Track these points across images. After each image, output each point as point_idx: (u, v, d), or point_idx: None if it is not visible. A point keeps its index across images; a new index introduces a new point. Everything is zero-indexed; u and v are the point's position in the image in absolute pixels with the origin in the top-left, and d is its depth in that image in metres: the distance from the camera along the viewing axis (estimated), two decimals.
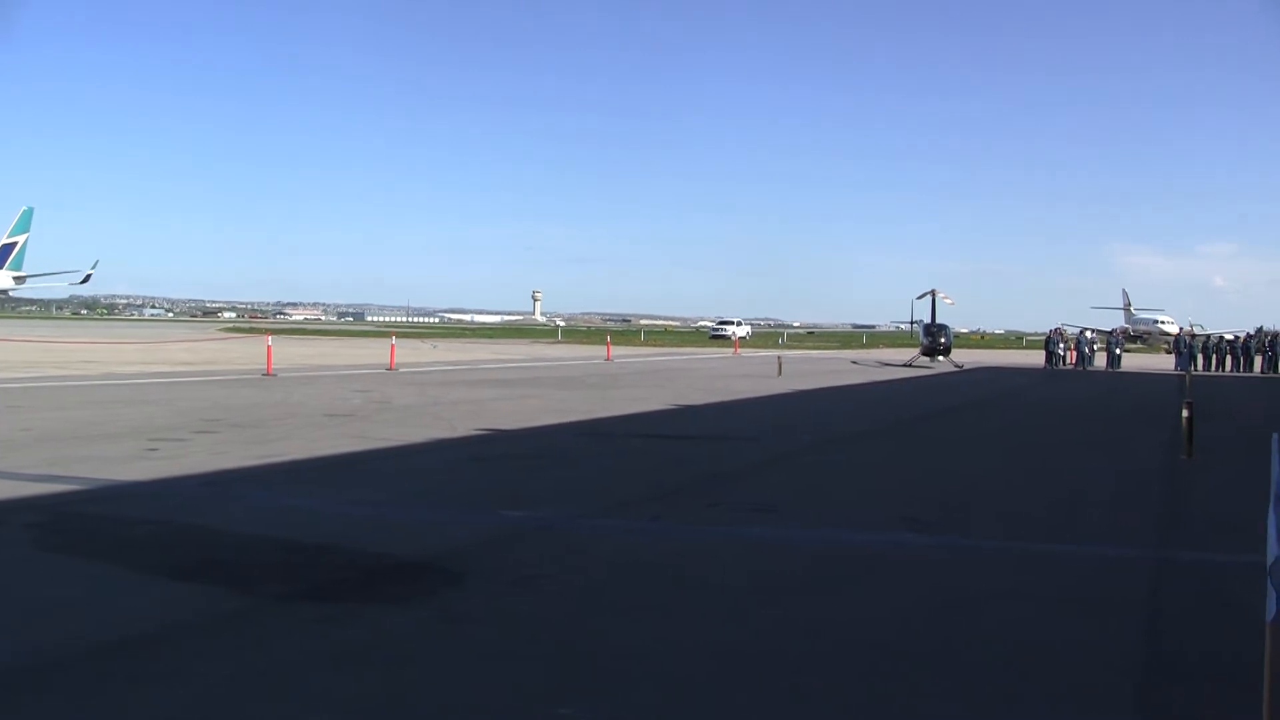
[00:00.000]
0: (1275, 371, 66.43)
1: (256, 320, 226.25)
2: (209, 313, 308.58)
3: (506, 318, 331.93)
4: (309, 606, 8.70)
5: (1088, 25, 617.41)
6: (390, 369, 43.07)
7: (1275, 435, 5.67)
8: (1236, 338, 75.45)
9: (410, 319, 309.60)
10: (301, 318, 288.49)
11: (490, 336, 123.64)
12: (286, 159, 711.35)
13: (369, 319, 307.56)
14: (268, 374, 37.56)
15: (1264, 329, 77.99)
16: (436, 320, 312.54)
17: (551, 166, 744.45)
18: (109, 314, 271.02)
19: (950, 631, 8.55)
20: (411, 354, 59.30)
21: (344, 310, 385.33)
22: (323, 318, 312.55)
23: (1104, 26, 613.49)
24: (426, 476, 15.81)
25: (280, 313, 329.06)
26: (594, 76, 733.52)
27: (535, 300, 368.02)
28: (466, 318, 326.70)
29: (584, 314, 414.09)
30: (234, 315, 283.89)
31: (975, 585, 10.13)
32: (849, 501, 14.66)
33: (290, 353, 56.29)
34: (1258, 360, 69.27)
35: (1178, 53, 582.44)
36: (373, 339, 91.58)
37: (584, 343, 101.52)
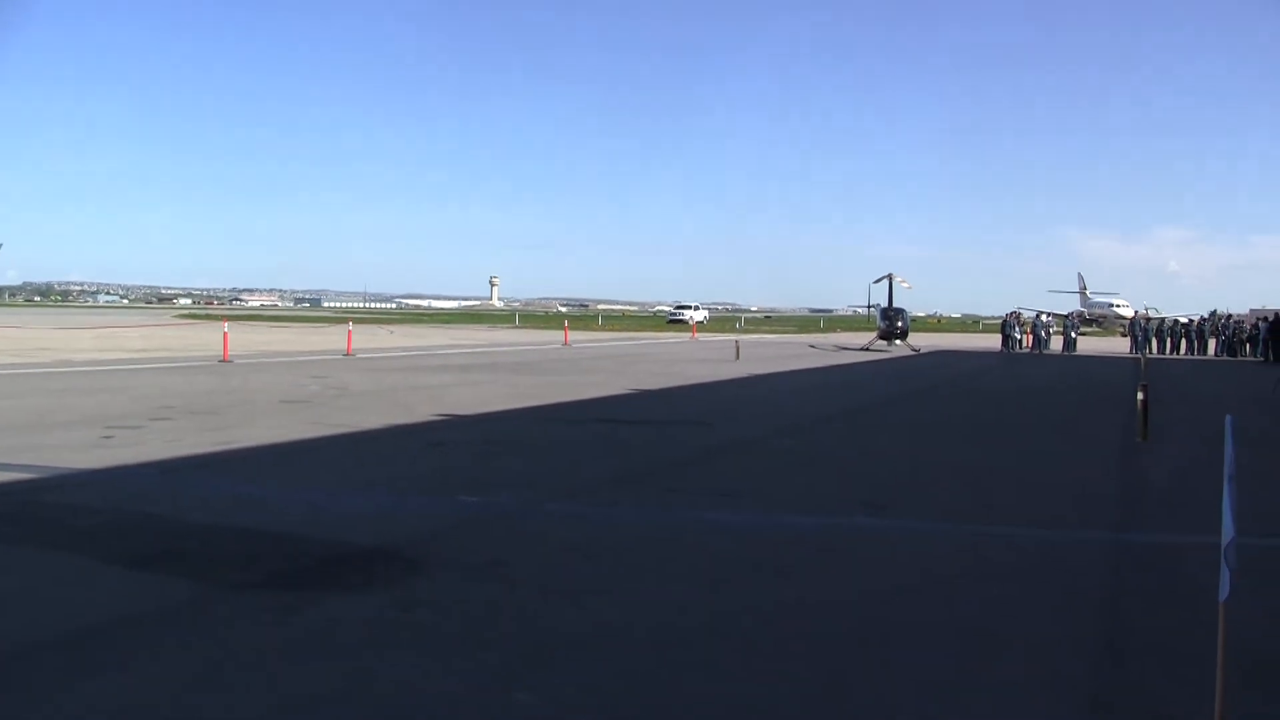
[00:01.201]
0: (1229, 354, 66.95)
1: (212, 307, 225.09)
2: (164, 299, 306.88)
3: (464, 303, 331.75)
4: (266, 595, 8.65)
5: (1042, 13, 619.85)
6: (347, 355, 42.95)
7: (1228, 418, 5.66)
8: (1191, 321, 75.99)
9: (368, 305, 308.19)
10: (258, 304, 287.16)
11: (448, 322, 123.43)
12: (242, 145, 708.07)
13: (326, 305, 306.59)
14: (224, 361, 37.36)
15: (1217, 312, 78.64)
16: (394, 306, 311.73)
17: (507, 152, 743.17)
18: (63, 301, 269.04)
19: (907, 614, 8.58)
20: (369, 340, 59.16)
21: (301, 296, 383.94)
22: (279, 304, 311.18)
23: (1057, 15, 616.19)
24: (384, 463, 15.74)
25: (236, 299, 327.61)
26: (551, 63, 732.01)
27: (493, 286, 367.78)
28: (424, 303, 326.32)
29: (542, 299, 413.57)
30: (190, 302, 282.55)
31: (932, 568, 10.17)
32: (807, 485, 14.68)
33: (247, 339, 55.97)
34: (1211, 343, 69.81)
35: (1131, 41, 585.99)
36: (330, 325, 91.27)
37: (542, 328, 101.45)
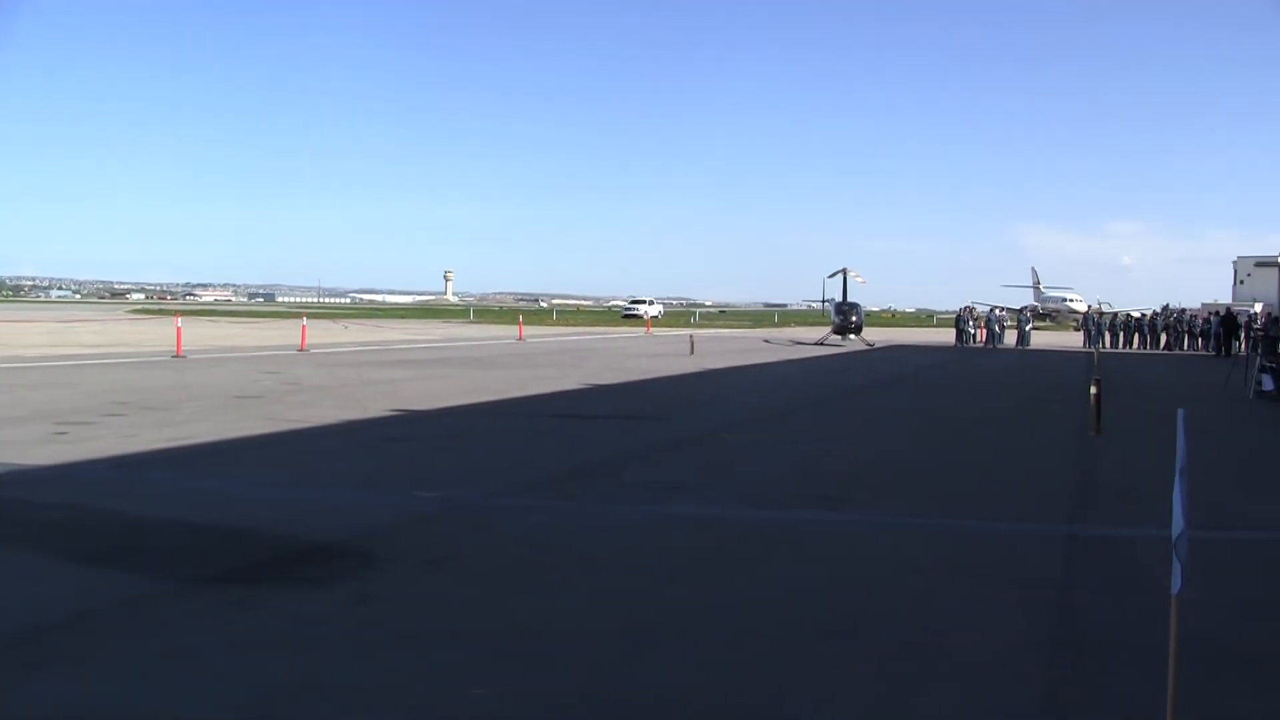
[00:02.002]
0: (1181, 348, 67.44)
1: (165, 301, 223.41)
2: (117, 294, 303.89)
3: (419, 298, 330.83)
4: (221, 590, 8.58)
5: (992, 10, 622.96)
6: (301, 350, 42.65)
7: (1180, 411, 5.69)
8: (1143, 315, 76.53)
9: (321, 300, 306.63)
10: (211, 299, 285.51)
11: (402, 317, 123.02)
12: (194, 138, 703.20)
13: (280, 300, 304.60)
14: (177, 356, 37.08)
15: (1169, 306, 79.15)
16: (348, 301, 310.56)
17: (461, 144, 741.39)
18: (14, 296, 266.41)
19: (862, 606, 8.60)
20: (323, 335, 58.89)
21: (255, 291, 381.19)
22: (233, 299, 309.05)
23: (1007, 11, 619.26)
24: (339, 458, 15.70)
25: (190, 294, 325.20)
26: (499, 53, 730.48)
27: (447, 280, 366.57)
28: (379, 298, 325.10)
29: (496, 294, 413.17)
30: (143, 297, 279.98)
31: (887, 560, 10.19)
32: (762, 479, 14.70)
33: (200, 334, 55.55)
34: (1164, 337, 70.27)
35: (1082, 37, 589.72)
36: (284, 320, 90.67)
37: (496, 323, 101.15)
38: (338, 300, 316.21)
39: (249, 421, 19.24)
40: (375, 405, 22.47)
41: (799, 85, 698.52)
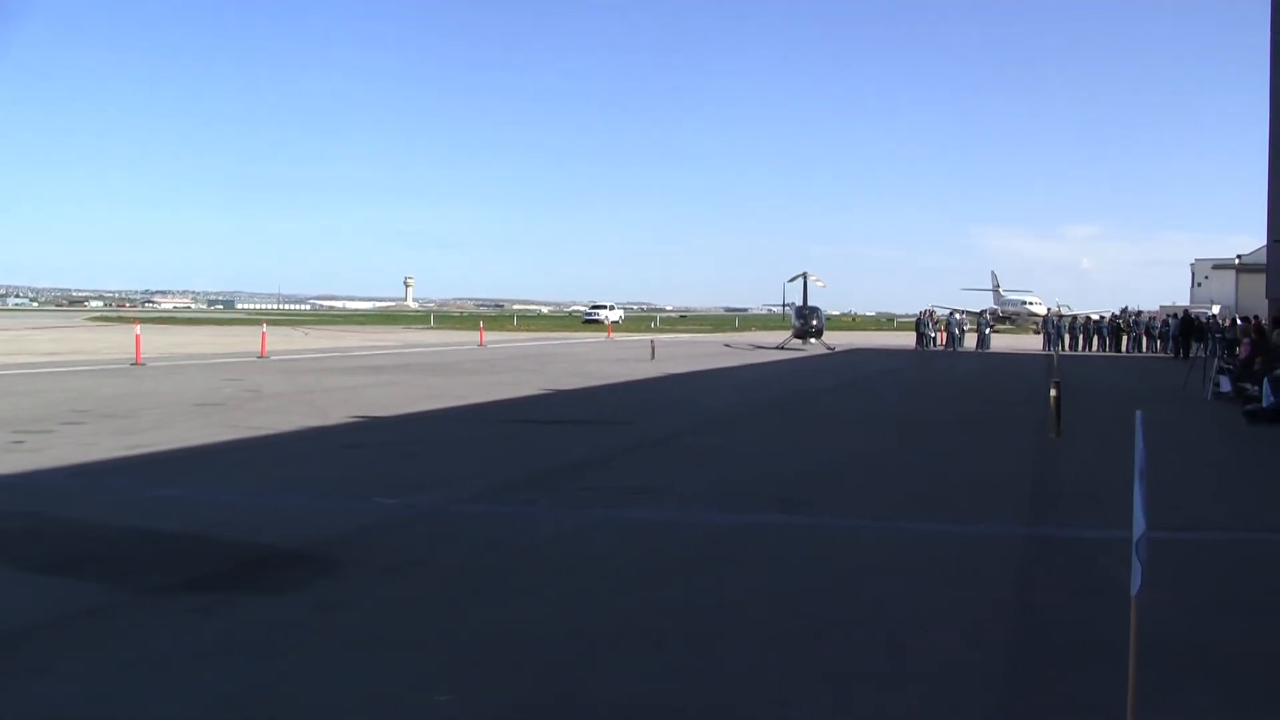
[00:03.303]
0: (1139, 351, 67.86)
1: (124, 309, 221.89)
2: (75, 302, 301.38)
3: (379, 304, 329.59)
4: (181, 598, 8.53)
5: (948, 7, 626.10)
6: (261, 357, 42.48)
7: (1138, 413, 5.72)
8: (1102, 318, 76.94)
9: (281, 306, 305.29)
10: (171, 306, 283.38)
11: (362, 323, 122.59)
12: (151, 143, 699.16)
13: (239, 307, 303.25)
14: (136, 363, 36.80)
15: (1128, 309, 79.69)
16: (308, 307, 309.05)
17: (420, 150, 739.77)
18: None
19: (822, 611, 8.62)
20: (283, 341, 58.59)
21: (214, 298, 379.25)
22: (192, 306, 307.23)
23: (964, 12, 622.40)
24: (299, 465, 15.65)
25: (149, 301, 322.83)
26: (455, 55, 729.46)
27: (407, 286, 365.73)
28: (338, 305, 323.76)
29: (456, 299, 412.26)
30: (101, 304, 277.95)
31: (848, 564, 10.22)
32: (723, 483, 14.70)
33: (159, 341, 55.19)
34: (1123, 339, 70.70)
35: (1037, 38, 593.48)
36: (243, 327, 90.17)
37: (457, 328, 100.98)
38: (297, 307, 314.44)
39: (210, 429, 19.14)
40: (336, 412, 22.39)
41: (762, 90, 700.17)
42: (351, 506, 12.55)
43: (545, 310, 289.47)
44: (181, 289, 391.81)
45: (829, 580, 9.57)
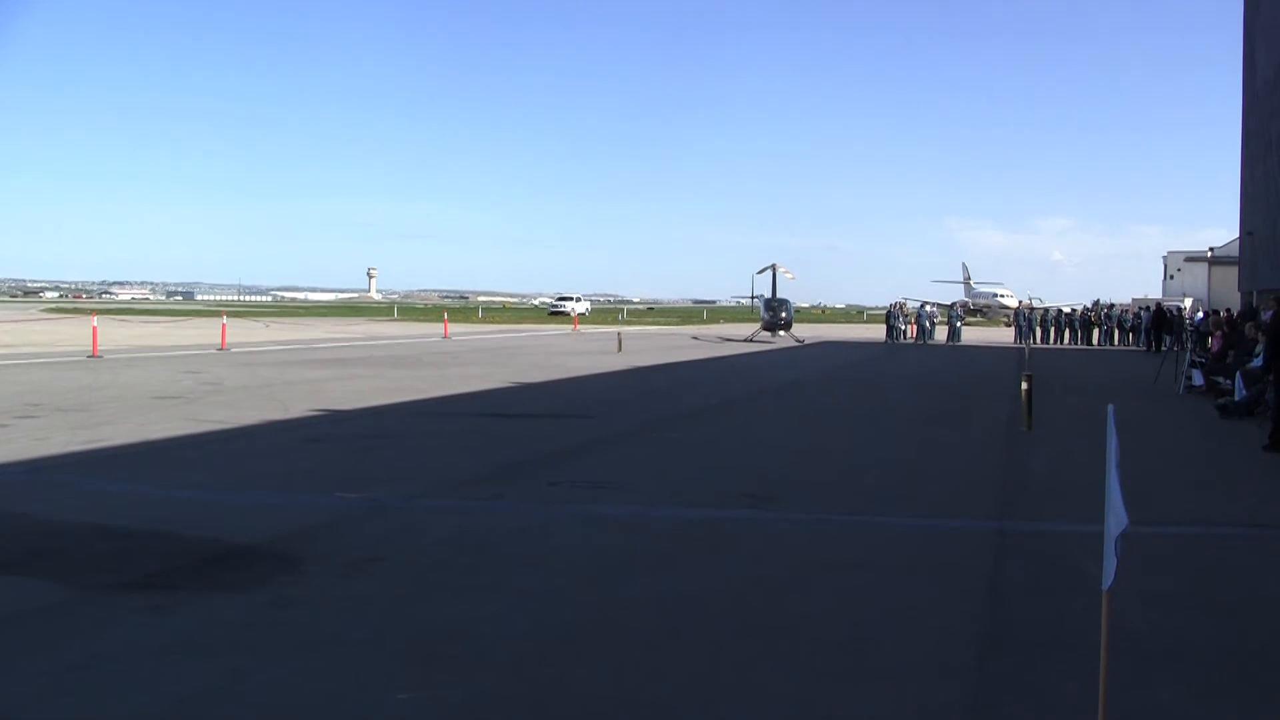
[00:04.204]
0: (1112, 344, 68.14)
1: (81, 300, 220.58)
2: (30, 292, 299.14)
3: (341, 295, 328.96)
4: (137, 596, 8.49)
5: (918, 3, 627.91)
6: (221, 349, 42.30)
7: (1110, 407, 5.72)
8: (1074, 311, 77.20)
9: (242, 298, 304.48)
10: (129, 297, 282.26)
11: (325, 315, 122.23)
12: (110, 133, 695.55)
13: (199, 298, 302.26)
14: (93, 355, 36.63)
15: (1100, 302, 79.93)
16: (269, 299, 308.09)
17: (383, 139, 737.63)
18: None
19: (789, 605, 8.64)
20: (244, 334, 58.36)
21: (173, 289, 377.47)
22: (151, 297, 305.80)
23: (934, 5, 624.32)
24: (260, 459, 15.58)
25: (106, 292, 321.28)
26: (421, 46, 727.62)
27: (370, 278, 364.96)
28: (300, 296, 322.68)
29: (420, 291, 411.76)
30: (57, 295, 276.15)
31: (815, 559, 10.25)
32: (689, 477, 14.72)
33: (117, 333, 54.93)
34: (1095, 333, 70.97)
35: (1007, 32, 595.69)
36: (203, 318, 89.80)
37: (420, 320, 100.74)
38: (258, 298, 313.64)
39: (168, 423, 19.05)
40: (297, 405, 22.33)
41: (732, 83, 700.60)
42: (312, 501, 12.51)
43: (510, 302, 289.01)
44: (140, 280, 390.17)
45: (795, 576, 9.58)
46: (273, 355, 40.68)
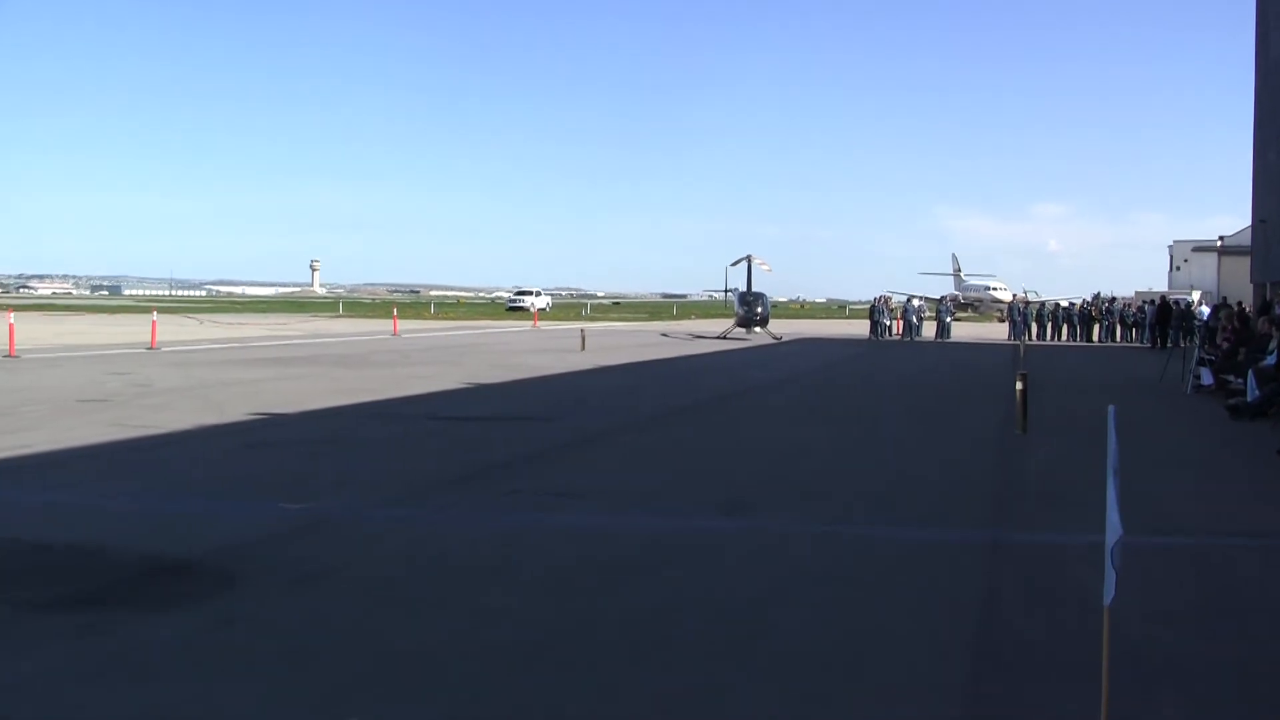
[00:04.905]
0: (1113, 340, 68.41)
1: None
2: None
3: (282, 290, 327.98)
4: (62, 615, 8.46)
5: None
6: (152, 348, 42.11)
7: (1111, 407, 5.77)
8: (1072, 304, 77.45)
9: (174, 292, 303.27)
10: (49, 292, 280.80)
11: (264, 311, 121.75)
12: (29, 118, 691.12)
13: (127, 293, 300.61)
14: (10, 356, 36.50)
15: (1101, 295, 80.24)
16: (203, 294, 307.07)
17: (327, 122, 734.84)
18: None
19: (769, 622, 8.68)
20: (176, 331, 58.20)
21: (98, 283, 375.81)
22: (74, 292, 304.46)
23: None
24: (196, 467, 15.52)
25: (24, 286, 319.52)
26: (368, 20, 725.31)
27: (314, 270, 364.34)
28: (237, 290, 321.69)
29: (368, 285, 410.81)
30: None
31: (796, 571, 10.29)
32: (659, 485, 14.76)
33: (36, 331, 54.49)
34: (1095, 328, 71.18)
35: (998, 7, 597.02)
36: (131, 315, 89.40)
37: (368, 316, 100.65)
38: (192, 293, 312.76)
39: (93, 428, 18.97)
40: (235, 408, 22.28)
41: (702, 61, 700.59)
42: (253, 512, 12.50)
43: (465, 296, 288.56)
44: (61, 273, 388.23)
45: (774, 590, 9.61)
46: (208, 354, 40.60)
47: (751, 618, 8.76)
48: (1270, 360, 23.95)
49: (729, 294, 78.00)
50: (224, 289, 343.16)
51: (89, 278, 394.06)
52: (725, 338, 62.47)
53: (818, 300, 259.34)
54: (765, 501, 13.81)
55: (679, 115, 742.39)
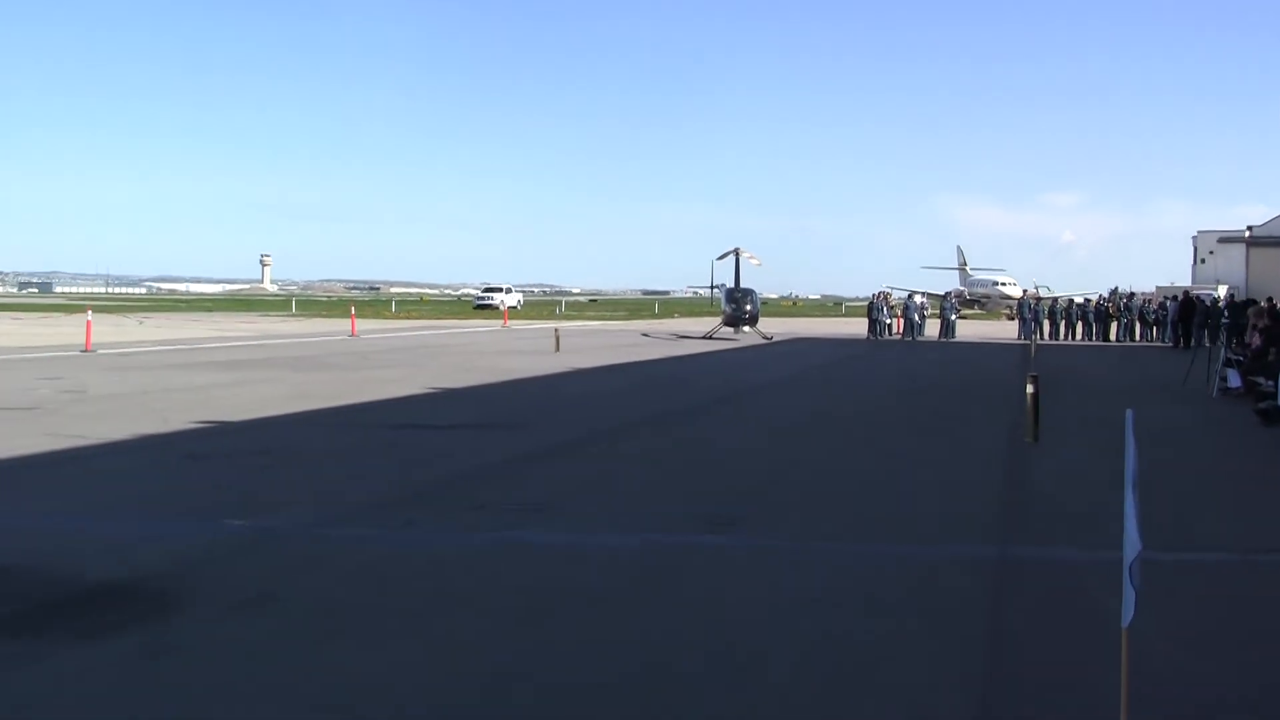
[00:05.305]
0: (1133, 339, 68.45)
1: None
2: None
3: (229, 287, 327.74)
4: None
5: None
6: (86, 350, 41.99)
7: (1129, 412, 5.74)
8: (1088, 301, 77.43)
9: (110, 290, 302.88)
10: None
11: (210, 309, 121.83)
12: None
13: (58, 290, 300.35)
14: None
15: (1119, 290, 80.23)
16: (143, 291, 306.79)
17: (282, 105, 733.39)
18: None
19: (759, 649, 8.62)
20: (113, 332, 58.03)
21: (26, 280, 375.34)
22: (0, 289, 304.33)
23: None
24: (133, 480, 15.47)
25: None
26: (334, 11, 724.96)
27: (264, 266, 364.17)
28: (180, 288, 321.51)
29: (324, 281, 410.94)
30: None
31: (789, 593, 10.25)
32: (639, 499, 14.75)
33: None
34: (1113, 326, 71.15)
35: None
36: (63, 314, 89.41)
37: (324, 315, 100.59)
38: (130, 290, 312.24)
39: (21, 438, 18.91)
40: (178, 417, 22.19)
41: (684, 38, 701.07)
42: (194, 530, 12.43)
43: (430, 294, 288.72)
44: None
45: (762, 615, 9.56)
46: (148, 357, 40.51)
47: (736, 646, 8.69)
48: None
49: (715, 291, 78.09)
50: (165, 286, 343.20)
51: (16, 274, 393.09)
52: (711, 338, 62.42)
53: (812, 297, 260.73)
54: (755, 517, 13.78)
55: (659, 97, 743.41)
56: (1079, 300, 78.99)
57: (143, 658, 8.16)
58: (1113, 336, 70.04)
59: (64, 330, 58.76)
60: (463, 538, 12.31)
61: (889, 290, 79.56)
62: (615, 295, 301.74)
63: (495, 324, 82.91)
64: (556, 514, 13.64)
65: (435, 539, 12.25)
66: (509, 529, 12.74)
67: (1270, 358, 27.89)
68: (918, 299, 74.45)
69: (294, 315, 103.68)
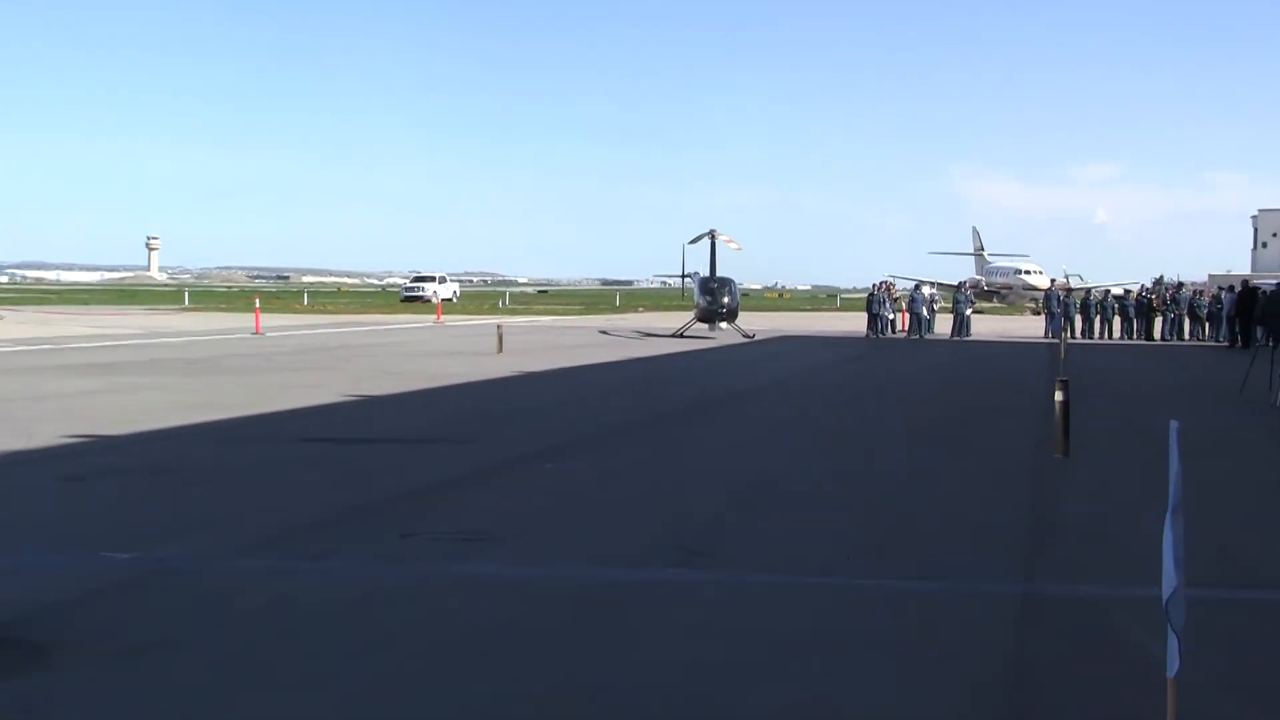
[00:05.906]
0: (1180, 337, 68.53)
1: None
2: None
3: (110, 275, 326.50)
4: None
5: None
6: None
7: (1173, 424, 5.78)
8: (1127, 292, 77.53)
9: None
10: None
11: (86, 302, 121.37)
12: None
13: None
14: None
15: (1164, 280, 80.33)
16: (4, 279, 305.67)
17: (176, 67, 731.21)
18: None
19: (733, 703, 8.67)
20: None
21: None
22: None
23: None
24: None
25: None
26: None
27: (151, 250, 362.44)
28: (50, 275, 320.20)
29: (222, 269, 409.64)
30: None
31: (768, 635, 10.27)
32: (594, 524, 14.82)
33: None
34: (1157, 322, 71.06)
35: None
36: None
37: (223, 310, 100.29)
38: None
39: None
40: (47, 429, 22.12)
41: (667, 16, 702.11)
42: (71, 565, 12.41)
43: (349, 284, 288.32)
44: None
45: (741, 659, 9.59)
46: (12, 358, 40.51)
47: (710, 698, 8.74)
48: None
49: (687, 280, 78.07)
50: (33, 274, 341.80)
51: None
52: (682, 335, 62.46)
53: (802, 288, 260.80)
54: (732, 546, 13.85)
55: (619, 63, 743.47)
56: (1116, 292, 79.14)
57: (13, 713, 8.16)
58: (1157, 334, 70.09)
59: None
60: (391, 571, 12.33)
61: (892, 280, 79.74)
62: (569, 286, 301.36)
63: (428, 319, 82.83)
64: (502, 543, 13.68)
65: (359, 573, 12.27)
66: (446, 561, 12.82)
67: None
68: (926, 290, 74.52)
69: (186, 309, 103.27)
